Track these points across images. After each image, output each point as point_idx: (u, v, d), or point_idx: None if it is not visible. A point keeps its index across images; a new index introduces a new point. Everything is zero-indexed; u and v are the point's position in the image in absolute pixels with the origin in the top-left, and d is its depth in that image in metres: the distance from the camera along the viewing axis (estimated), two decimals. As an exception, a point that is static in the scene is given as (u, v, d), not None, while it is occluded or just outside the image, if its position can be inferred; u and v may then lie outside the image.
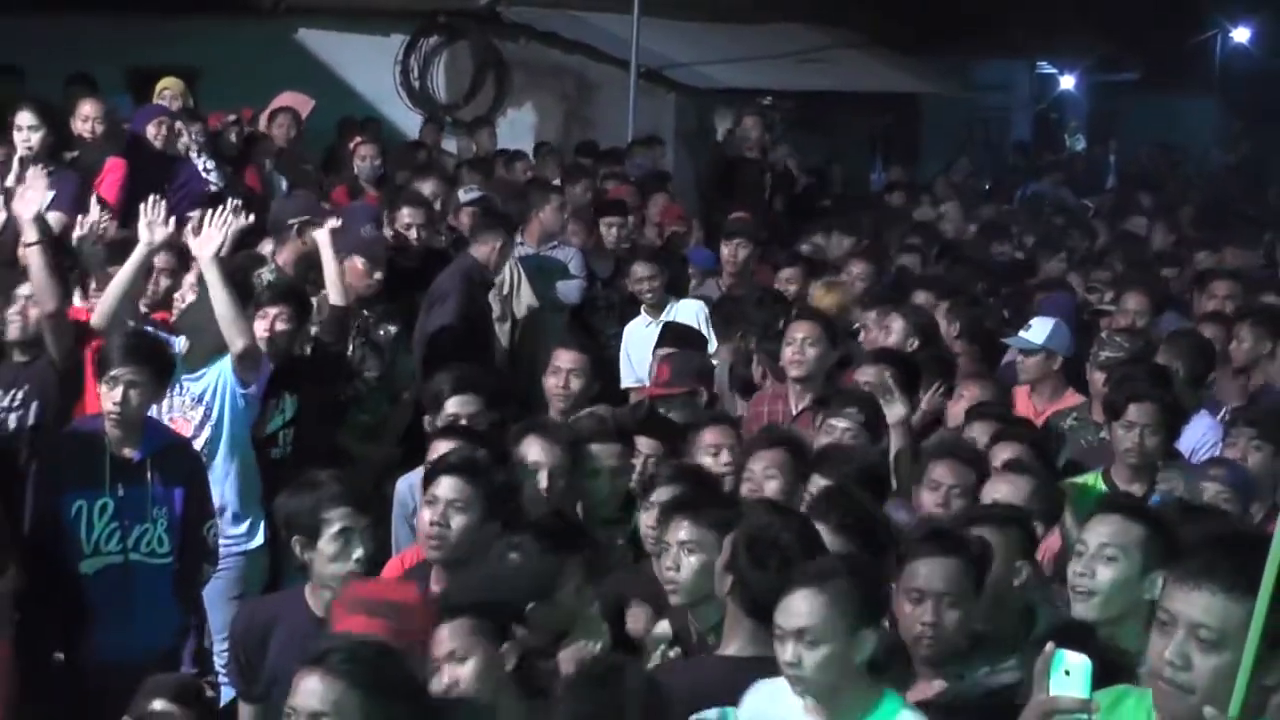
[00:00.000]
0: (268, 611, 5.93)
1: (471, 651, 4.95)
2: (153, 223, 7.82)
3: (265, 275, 9.10)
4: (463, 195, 13.13)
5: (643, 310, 10.96)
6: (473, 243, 10.81)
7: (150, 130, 12.01)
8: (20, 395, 7.62)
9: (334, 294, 8.94)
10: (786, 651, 4.77)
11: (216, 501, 7.60)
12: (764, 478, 6.75)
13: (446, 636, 4.94)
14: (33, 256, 7.50)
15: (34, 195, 7.70)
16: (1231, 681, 3.46)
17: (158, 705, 4.60)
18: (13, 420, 7.57)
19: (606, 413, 7.85)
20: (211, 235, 7.84)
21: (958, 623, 5.30)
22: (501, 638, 5.02)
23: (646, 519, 6.32)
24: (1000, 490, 6.50)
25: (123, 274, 7.74)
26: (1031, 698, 3.58)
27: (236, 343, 7.76)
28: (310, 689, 4.31)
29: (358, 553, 5.69)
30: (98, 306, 7.68)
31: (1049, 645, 3.66)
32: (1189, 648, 3.62)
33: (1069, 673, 3.53)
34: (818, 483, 6.52)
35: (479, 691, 4.94)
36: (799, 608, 4.77)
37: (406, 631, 4.97)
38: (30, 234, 7.56)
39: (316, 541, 5.71)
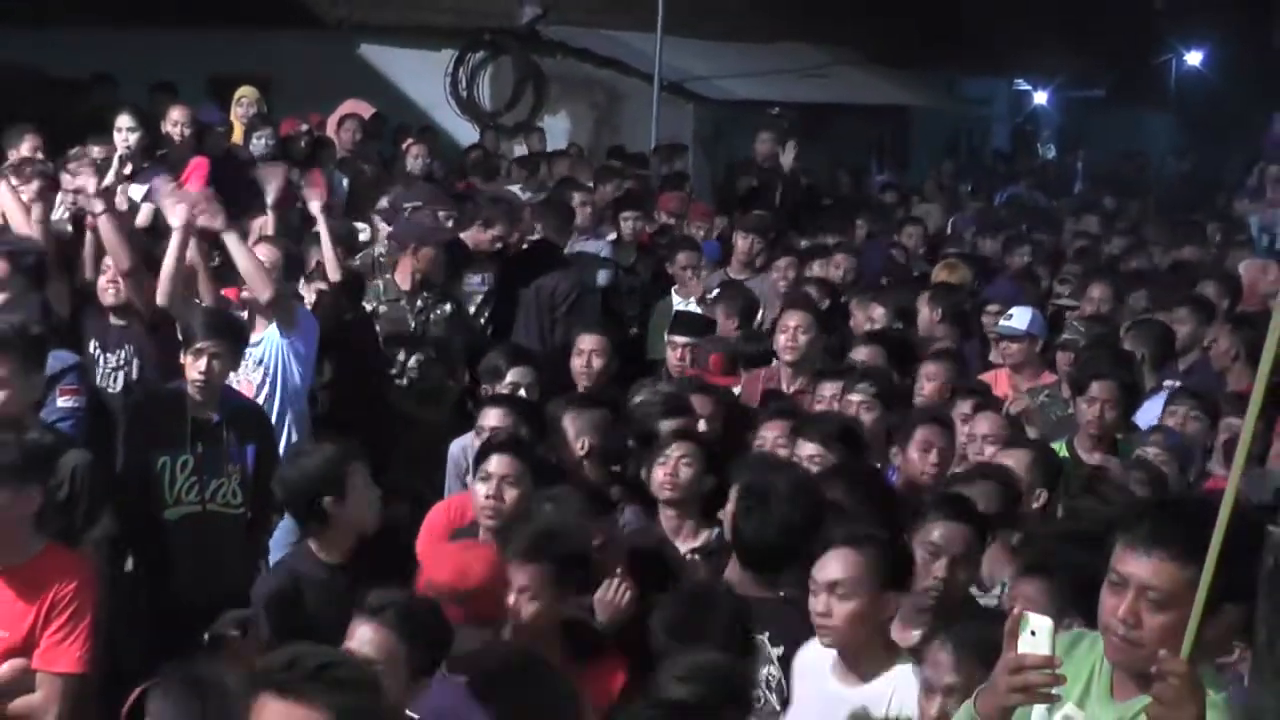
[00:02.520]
0: (289, 574, 5.78)
1: (540, 595, 4.98)
2: (181, 210, 7.80)
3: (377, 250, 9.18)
4: (521, 192, 13.16)
5: (674, 291, 11.03)
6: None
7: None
8: (123, 355, 7.66)
9: (332, 270, 8.99)
10: (819, 603, 4.75)
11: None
12: (775, 447, 6.77)
13: (524, 575, 4.97)
14: (102, 223, 7.50)
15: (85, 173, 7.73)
16: (1176, 637, 3.43)
17: (230, 634, 4.62)
18: (120, 379, 7.58)
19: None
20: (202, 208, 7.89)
21: (960, 585, 5.30)
22: (569, 589, 5.10)
23: None
24: (1004, 462, 6.51)
25: (168, 257, 7.70)
26: (1000, 657, 3.57)
27: (263, 294, 7.81)
28: (365, 637, 4.30)
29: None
30: (157, 289, 7.68)
31: (1016, 609, 3.63)
32: (1139, 607, 3.59)
33: (1034, 633, 3.49)
34: (805, 447, 6.55)
35: (533, 630, 4.97)
36: (834, 563, 4.75)
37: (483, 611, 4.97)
38: (97, 205, 7.57)
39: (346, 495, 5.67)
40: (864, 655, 4.80)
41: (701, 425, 7.17)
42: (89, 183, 7.62)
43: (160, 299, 7.58)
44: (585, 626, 5.28)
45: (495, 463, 6.00)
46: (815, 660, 4.95)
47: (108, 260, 7.76)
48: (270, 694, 3.58)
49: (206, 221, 7.80)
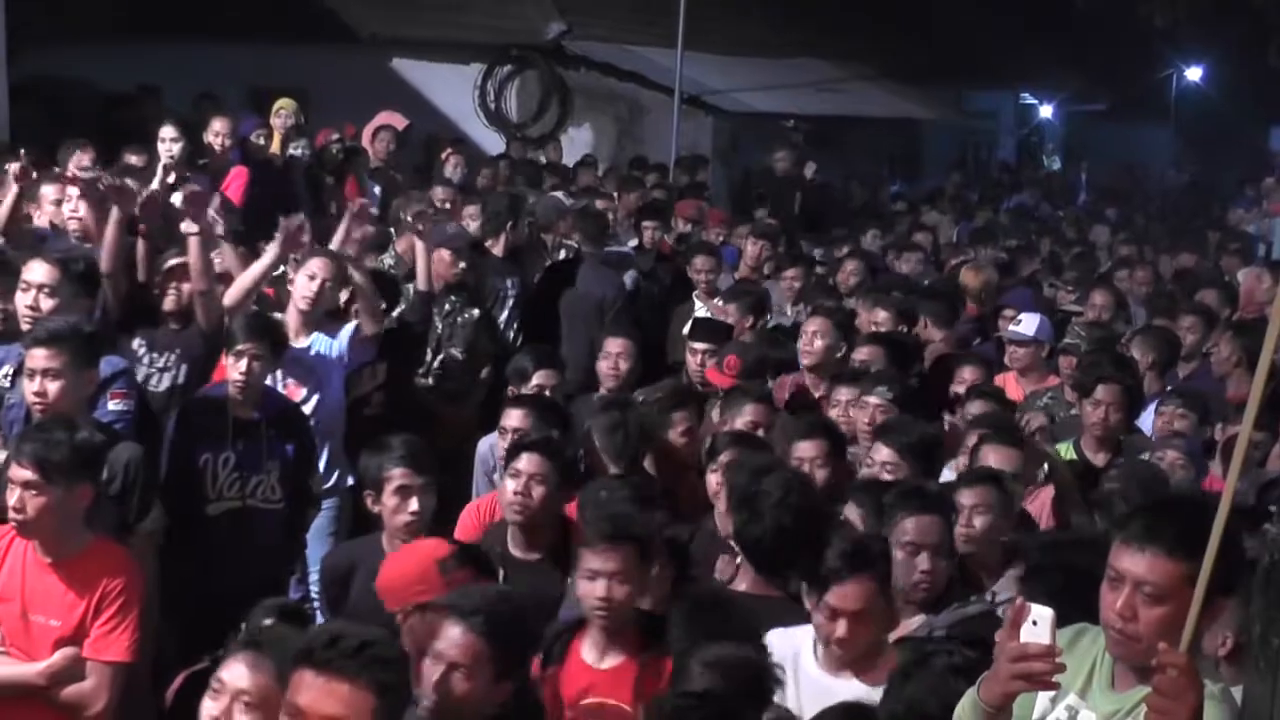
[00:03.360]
0: (351, 555, 5.97)
1: (630, 578, 4.96)
2: (286, 239, 7.84)
3: (386, 260, 9.14)
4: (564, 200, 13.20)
5: (695, 296, 11.00)
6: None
7: (253, 139, 12.16)
8: (171, 358, 7.63)
9: (421, 281, 8.98)
10: (839, 628, 4.78)
11: (321, 451, 7.71)
12: (814, 466, 6.63)
13: (615, 559, 4.93)
14: (192, 246, 7.51)
15: (200, 199, 7.71)
16: (1173, 629, 3.44)
17: (266, 622, 4.64)
18: (165, 380, 7.59)
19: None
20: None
21: (944, 570, 5.33)
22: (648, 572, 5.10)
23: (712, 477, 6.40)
24: (991, 459, 6.51)
25: (256, 269, 7.75)
26: (1003, 647, 3.58)
27: (369, 326, 7.91)
28: (454, 639, 4.29)
29: (413, 506, 5.71)
30: (230, 291, 7.68)
31: (1018, 599, 3.63)
32: (1135, 602, 3.61)
33: (1036, 623, 3.48)
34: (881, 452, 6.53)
35: (625, 615, 4.97)
36: (853, 594, 4.77)
37: None
38: (190, 226, 7.56)
39: (381, 495, 5.76)
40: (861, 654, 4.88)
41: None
42: (193, 211, 7.63)
43: (229, 300, 7.57)
44: (647, 612, 5.22)
45: (525, 461, 6.01)
46: (793, 646, 4.97)
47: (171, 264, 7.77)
48: (311, 670, 3.59)
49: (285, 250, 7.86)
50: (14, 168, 8.50)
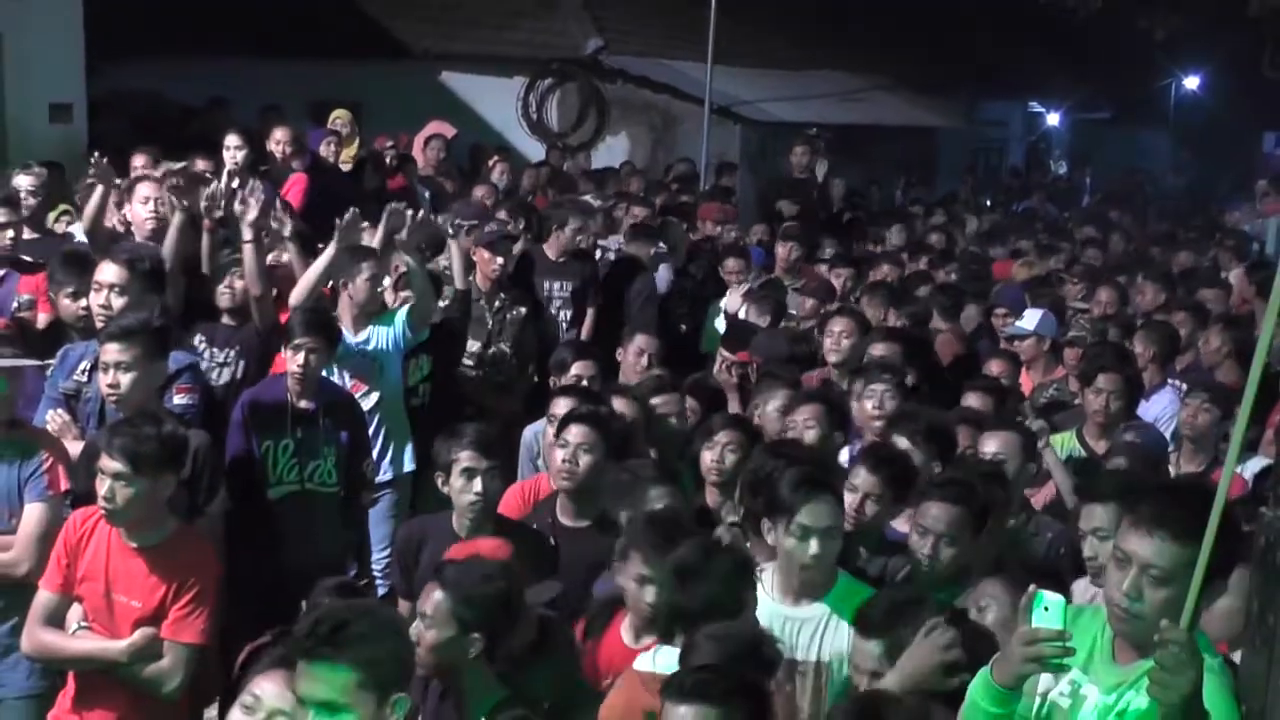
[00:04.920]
0: (423, 529, 5.98)
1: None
2: (344, 231, 7.82)
3: (441, 262, 9.20)
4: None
5: (729, 294, 10.97)
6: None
7: (322, 148, 12.16)
8: (231, 353, 7.65)
9: (458, 280, 8.97)
10: (813, 546, 4.86)
11: (379, 439, 7.71)
12: (804, 427, 6.72)
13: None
14: (246, 251, 7.52)
15: (254, 203, 7.70)
16: (1175, 609, 3.43)
17: (327, 600, 4.63)
18: (225, 374, 7.60)
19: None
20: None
21: (951, 558, 5.26)
22: None
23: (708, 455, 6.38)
24: (990, 444, 6.45)
25: (316, 268, 7.73)
26: (1016, 631, 3.56)
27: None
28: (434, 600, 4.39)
29: (477, 488, 5.69)
30: (295, 289, 7.67)
31: (1031, 586, 3.61)
32: (1141, 583, 3.59)
33: (1047, 609, 3.48)
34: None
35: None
36: (823, 511, 4.89)
37: None
38: (248, 234, 7.55)
39: (450, 477, 5.76)
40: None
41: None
42: (250, 212, 7.61)
43: (294, 299, 7.56)
44: None
45: (574, 431, 6.01)
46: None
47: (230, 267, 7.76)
48: (300, 659, 3.60)
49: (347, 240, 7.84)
50: (103, 163, 8.46)
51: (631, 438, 6.69)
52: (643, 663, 4.62)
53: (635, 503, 5.57)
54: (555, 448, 6.08)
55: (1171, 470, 7.25)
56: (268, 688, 3.69)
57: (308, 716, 3.53)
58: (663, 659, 4.50)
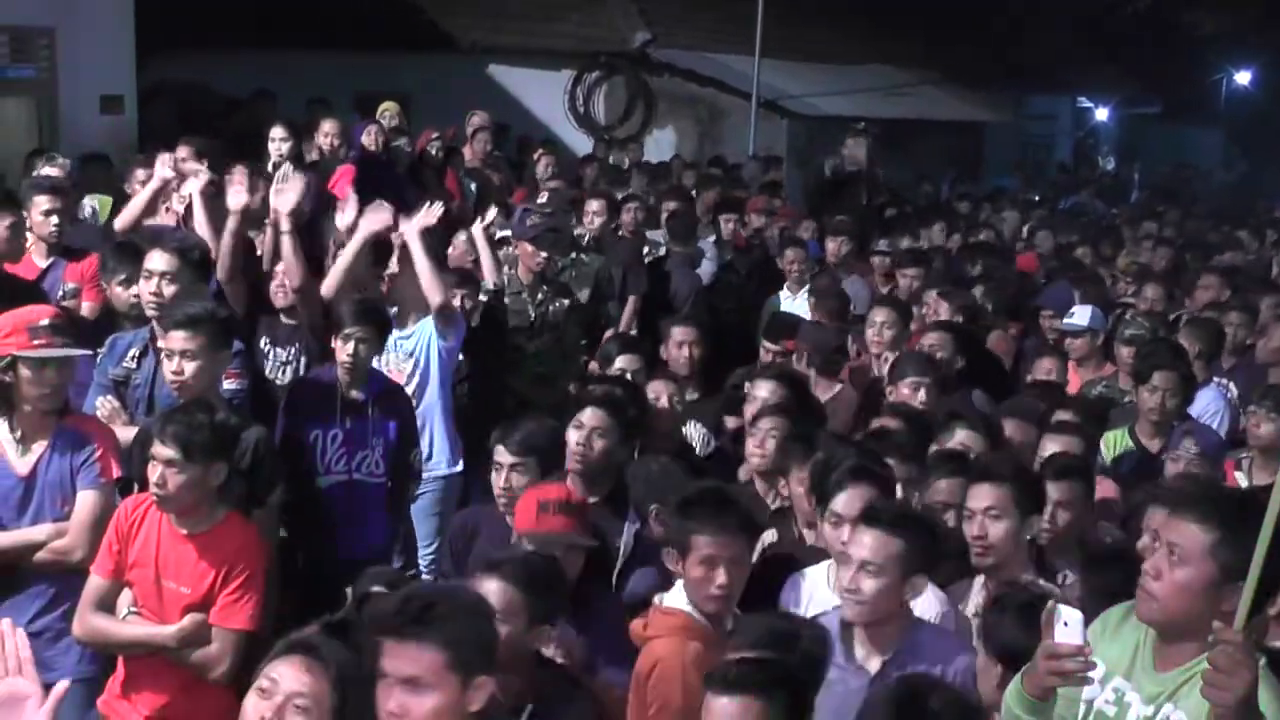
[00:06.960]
0: (476, 517, 6.02)
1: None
2: (371, 217, 7.83)
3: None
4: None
5: (785, 287, 11.11)
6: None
7: (365, 139, 12.19)
8: (293, 351, 7.68)
9: (487, 276, 9.04)
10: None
11: (424, 436, 7.67)
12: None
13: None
14: (284, 242, 7.54)
15: (291, 192, 7.71)
16: (1188, 595, 3.53)
17: (373, 589, 4.64)
18: (288, 373, 7.63)
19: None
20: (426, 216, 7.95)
21: (1003, 535, 5.16)
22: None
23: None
24: (1051, 446, 6.40)
25: (347, 254, 7.73)
26: (1039, 647, 3.62)
27: (435, 298, 7.80)
28: (489, 589, 4.31)
29: (500, 482, 5.76)
30: (325, 281, 7.66)
31: (1050, 602, 3.67)
32: (1162, 562, 3.61)
33: (1067, 624, 3.55)
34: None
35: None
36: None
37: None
38: (285, 224, 7.58)
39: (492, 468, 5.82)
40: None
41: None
42: (286, 204, 7.62)
43: (326, 290, 7.57)
44: None
45: (589, 415, 6.02)
46: (809, 587, 5.12)
47: (279, 268, 7.77)
48: (388, 639, 3.60)
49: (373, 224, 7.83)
50: (167, 158, 8.43)
51: (661, 426, 6.79)
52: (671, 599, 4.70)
53: (670, 492, 5.53)
54: (570, 428, 6.06)
55: (1243, 481, 7.08)
56: (285, 671, 3.59)
57: (325, 703, 3.54)
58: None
